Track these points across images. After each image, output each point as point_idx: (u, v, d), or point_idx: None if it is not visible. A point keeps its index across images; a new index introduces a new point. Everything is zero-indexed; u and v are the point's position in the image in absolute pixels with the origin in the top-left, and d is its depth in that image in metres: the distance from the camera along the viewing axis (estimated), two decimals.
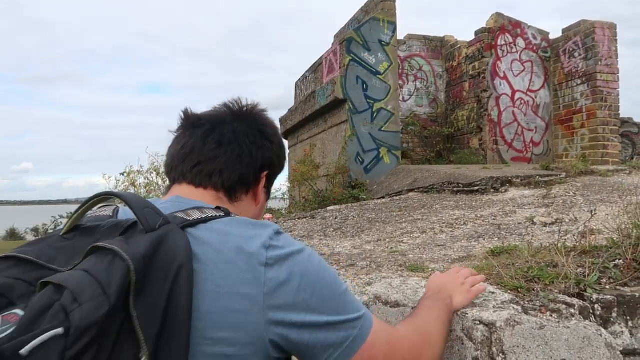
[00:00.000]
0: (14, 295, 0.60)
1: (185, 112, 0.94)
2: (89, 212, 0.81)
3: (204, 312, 0.67)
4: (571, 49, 8.27)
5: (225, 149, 0.90)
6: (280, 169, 1.02)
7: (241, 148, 0.91)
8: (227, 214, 0.81)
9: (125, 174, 7.00)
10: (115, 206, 0.85)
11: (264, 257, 0.72)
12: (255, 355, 0.70)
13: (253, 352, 0.70)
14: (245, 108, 0.96)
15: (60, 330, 0.54)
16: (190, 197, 0.87)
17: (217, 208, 0.82)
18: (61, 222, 6.38)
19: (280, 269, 0.72)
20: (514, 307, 1.27)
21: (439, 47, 9.71)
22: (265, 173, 0.95)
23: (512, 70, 8.55)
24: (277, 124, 1.10)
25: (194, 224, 0.74)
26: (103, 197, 0.78)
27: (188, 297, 0.65)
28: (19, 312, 0.57)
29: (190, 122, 0.93)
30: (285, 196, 9.05)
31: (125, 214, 0.81)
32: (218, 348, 0.67)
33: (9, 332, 0.54)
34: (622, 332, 1.37)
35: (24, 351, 0.51)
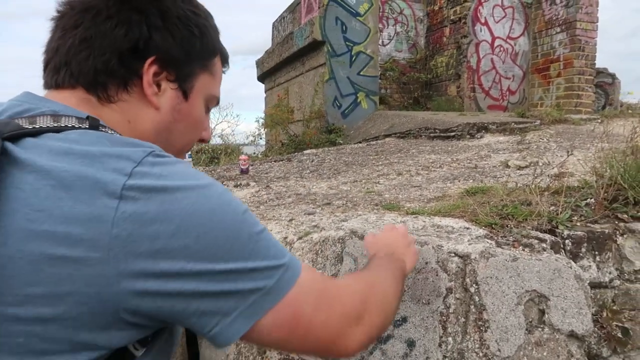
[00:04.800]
0: None
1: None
2: None
3: (6, 258, 0.47)
4: None
5: (68, 34, 0.64)
6: (191, 53, 0.68)
7: (88, 30, 0.63)
8: (95, 127, 0.59)
9: None
10: None
11: (118, 184, 0.50)
12: (92, 319, 0.50)
13: (89, 315, 0.49)
14: None
15: None
16: (52, 99, 0.64)
17: (88, 118, 0.60)
18: None
19: (146, 203, 0.50)
20: (488, 242, 1.29)
21: None
22: (151, 59, 0.64)
23: (493, 16, 8.40)
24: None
25: (31, 134, 0.54)
26: None
27: None
28: None
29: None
30: (258, 140, 9.00)
31: None
32: (27, 309, 0.48)
33: None
34: (590, 266, 1.41)
35: None
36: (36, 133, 0.54)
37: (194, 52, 0.69)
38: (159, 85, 0.66)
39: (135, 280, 0.49)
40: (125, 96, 0.65)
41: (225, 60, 0.78)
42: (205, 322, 0.54)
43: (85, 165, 0.51)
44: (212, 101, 0.77)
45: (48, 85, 0.66)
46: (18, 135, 0.53)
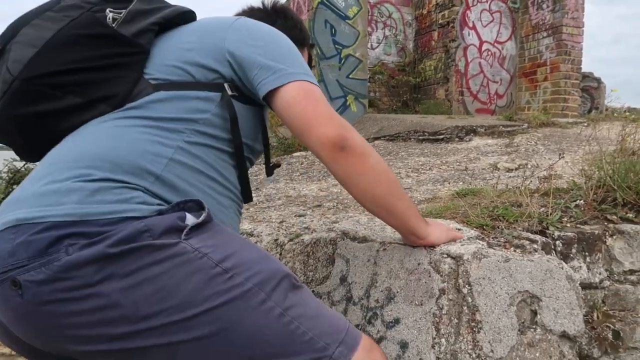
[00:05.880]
0: None
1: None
2: None
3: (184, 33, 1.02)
4: (539, 1, 8.25)
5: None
6: (293, 35, 1.15)
7: (248, 16, 1.21)
8: None
9: None
10: None
11: (234, 18, 1.03)
12: (214, 54, 0.96)
13: (213, 51, 0.96)
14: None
15: None
16: None
17: None
18: (14, 165, 6.11)
19: (246, 23, 1.02)
20: (480, 243, 1.28)
21: None
22: None
23: (480, 21, 8.47)
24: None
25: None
26: None
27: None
28: None
29: None
30: None
31: None
32: (195, 53, 0.96)
33: None
34: (581, 267, 1.41)
35: None
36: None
37: (294, 35, 1.17)
38: None
39: (233, 43, 0.97)
40: None
41: (311, 58, 1.35)
42: (259, 76, 0.94)
43: (216, 27, 1.01)
44: None
45: None
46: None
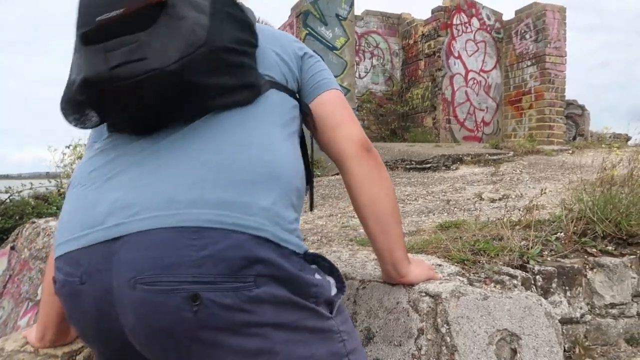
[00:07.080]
0: None
1: None
2: None
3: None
4: (522, 31, 8.46)
5: None
6: None
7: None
8: None
9: (72, 147, 6.67)
10: None
11: (301, 44, 1.08)
12: (292, 71, 1.00)
13: (293, 69, 1.00)
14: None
15: None
16: None
17: None
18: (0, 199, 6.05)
19: (310, 54, 1.08)
20: (460, 279, 1.28)
21: (396, 25, 9.70)
22: None
23: (466, 50, 8.66)
24: None
25: None
26: None
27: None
28: None
29: None
30: None
31: None
32: (279, 66, 0.97)
33: None
34: (561, 301, 1.41)
35: None
36: None
37: None
38: None
39: (302, 62, 1.03)
40: None
41: None
42: (313, 80, 1.03)
43: (284, 35, 1.06)
44: None
45: None
46: None
